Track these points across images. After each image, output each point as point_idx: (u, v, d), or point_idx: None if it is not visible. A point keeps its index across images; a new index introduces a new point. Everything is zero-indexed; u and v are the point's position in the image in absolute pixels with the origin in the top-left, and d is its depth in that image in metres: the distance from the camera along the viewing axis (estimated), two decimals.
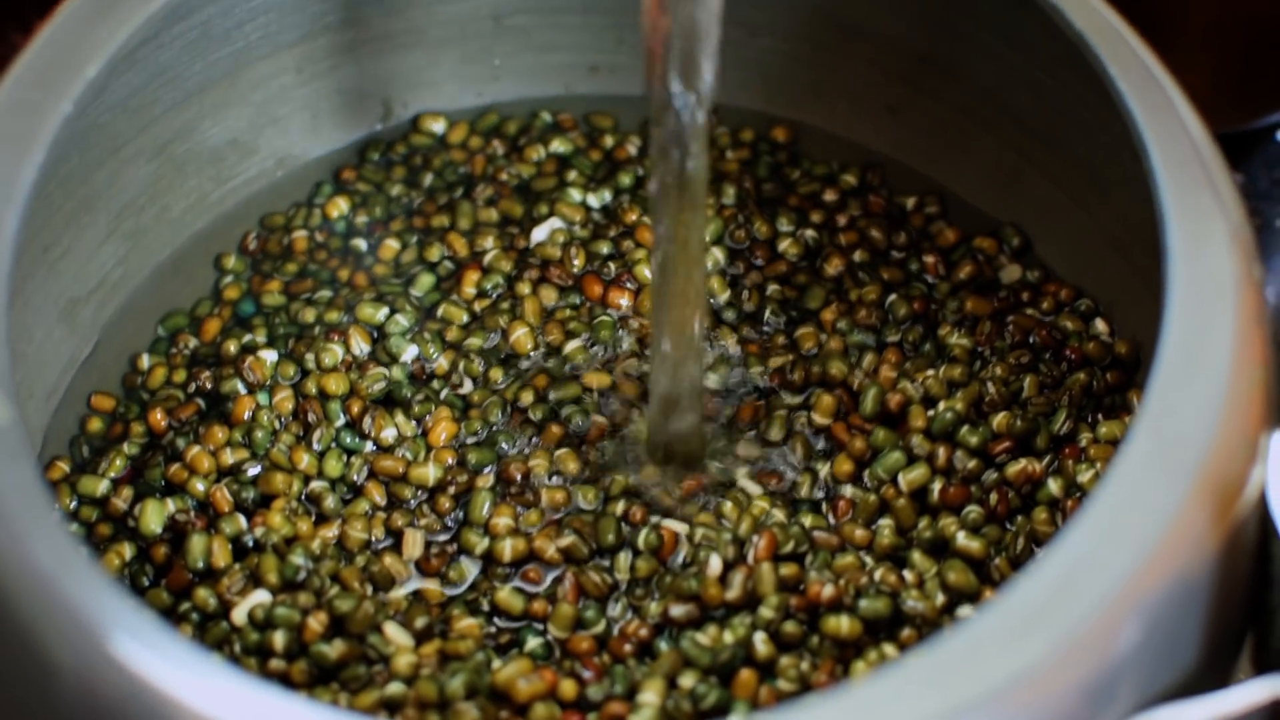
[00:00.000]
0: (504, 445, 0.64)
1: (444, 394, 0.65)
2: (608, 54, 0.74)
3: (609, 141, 0.73)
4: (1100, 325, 0.66)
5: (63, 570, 0.47)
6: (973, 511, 0.61)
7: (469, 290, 0.68)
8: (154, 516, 0.61)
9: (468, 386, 0.65)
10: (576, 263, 0.68)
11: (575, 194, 0.70)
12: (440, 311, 0.67)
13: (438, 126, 0.72)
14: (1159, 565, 0.48)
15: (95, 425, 0.64)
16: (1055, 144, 0.67)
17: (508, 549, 0.60)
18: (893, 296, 0.67)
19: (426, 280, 0.68)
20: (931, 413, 0.63)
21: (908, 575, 0.59)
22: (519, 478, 0.63)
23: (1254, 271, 0.54)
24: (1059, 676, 0.47)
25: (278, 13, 0.68)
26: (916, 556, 0.60)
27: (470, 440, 0.64)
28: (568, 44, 0.73)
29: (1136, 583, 0.48)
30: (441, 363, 0.66)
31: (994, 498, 0.61)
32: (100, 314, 0.66)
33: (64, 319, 0.64)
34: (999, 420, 0.63)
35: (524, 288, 0.68)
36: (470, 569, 0.61)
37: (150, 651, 0.47)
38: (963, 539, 0.60)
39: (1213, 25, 0.72)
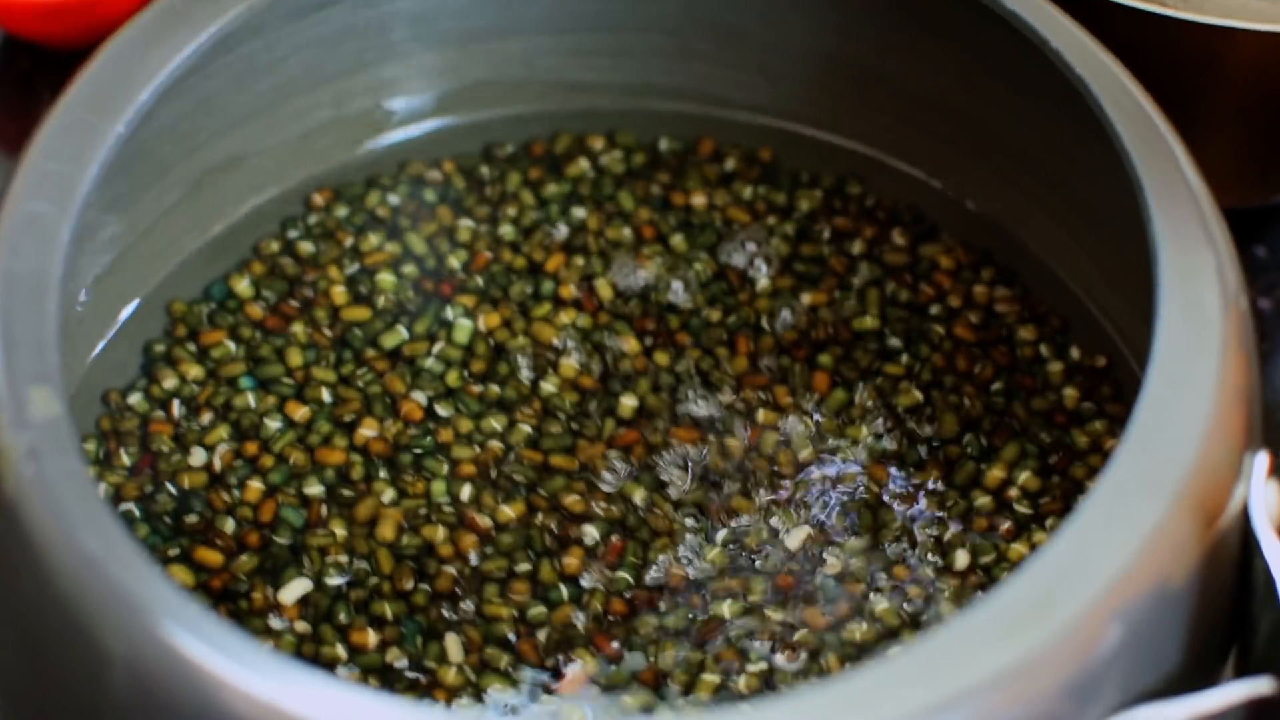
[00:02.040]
0: None
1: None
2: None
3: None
4: (1075, 353, 0.70)
5: (114, 560, 0.50)
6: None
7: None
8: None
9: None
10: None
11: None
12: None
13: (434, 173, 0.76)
14: (1142, 572, 0.51)
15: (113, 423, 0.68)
16: (1060, 187, 0.70)
17: None
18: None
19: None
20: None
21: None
22: None
23: (1241, 301, 0.57)
24: (1043, 675, 0.49)
25: (320, 48, 0.71)
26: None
27: None
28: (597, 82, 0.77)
29: (1120, 588, 0.50)
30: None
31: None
32: (140, 324, 0.70)
33: (100, 326, 0.68)
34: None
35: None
36: None
37: (202, 640, 0.49)
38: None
39: (1239, 103, 0.74)
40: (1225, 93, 0.74)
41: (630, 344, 0.70)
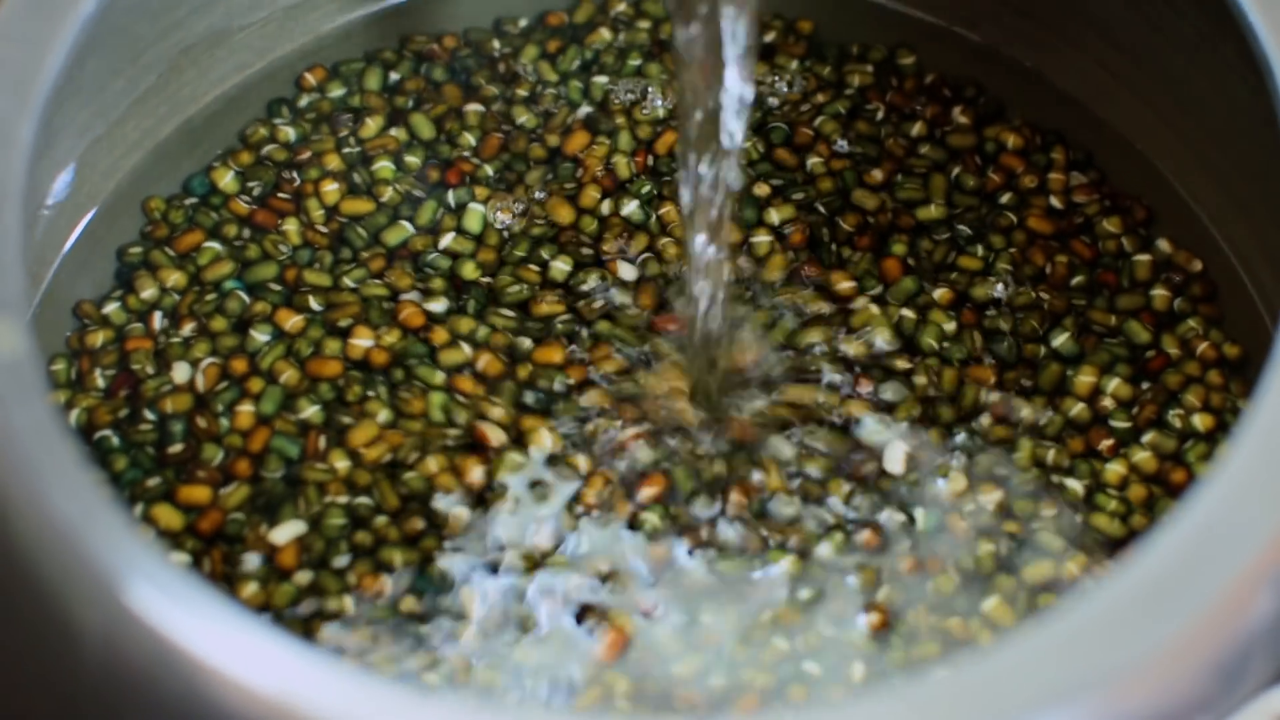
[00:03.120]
0: None
1: None
2: None
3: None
4: (1165, 246, 0.62)
5: (85, 522, 0.43)
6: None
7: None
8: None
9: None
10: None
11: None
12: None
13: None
14: None
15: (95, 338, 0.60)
16: (1149, 62, 0.62)
17: None
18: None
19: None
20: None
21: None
22: None
23: None
24: (1189, 652, 0.43)
25: None
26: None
27: None
28: None
29: (1273, 551, 0.43)
30: None
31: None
32: (110, 224, 0.62)
33: (66, 226, 0.61)
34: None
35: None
36: None
37: (181, 610, 0.43)
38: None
39: None
40: None
41: (671, 212, 0.62)
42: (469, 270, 0.61)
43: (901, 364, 0.59)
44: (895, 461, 0.57)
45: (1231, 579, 0.43)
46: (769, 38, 0.67)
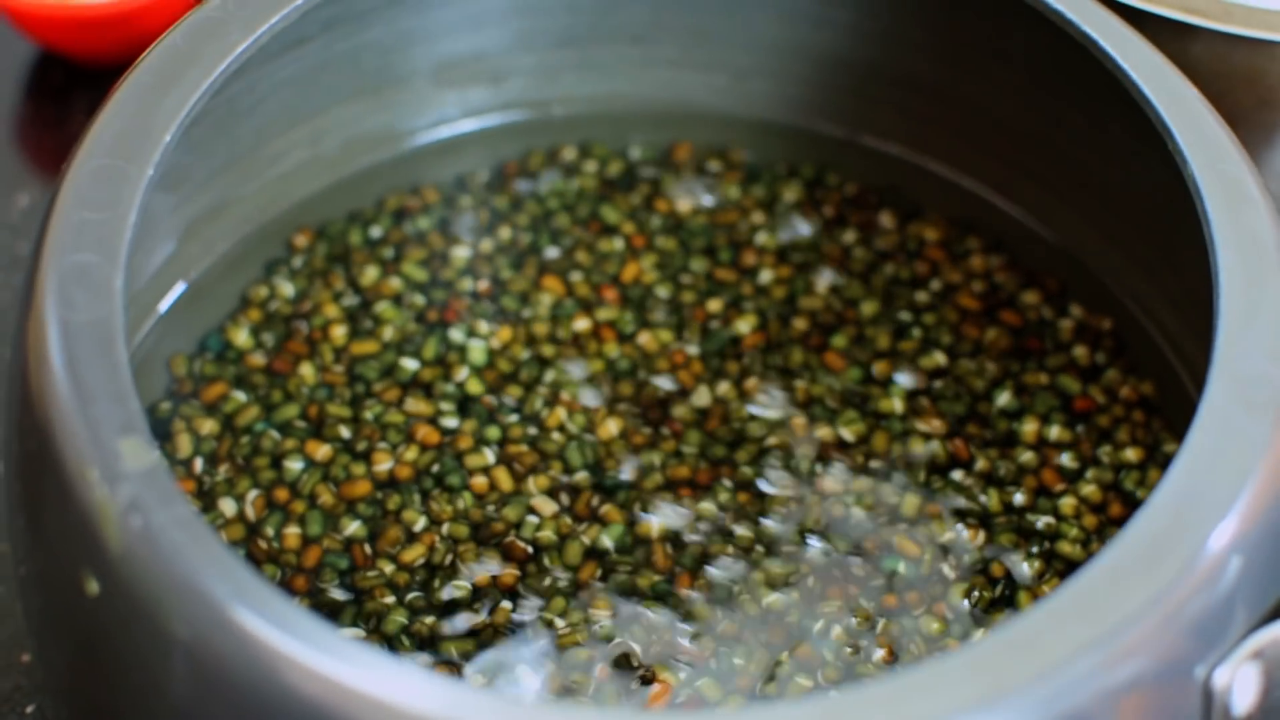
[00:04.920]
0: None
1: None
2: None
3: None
4: (1078, 311, 0.71)
5: (243, 603, 0.48)
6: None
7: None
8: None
9: None
10: None
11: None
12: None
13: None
14: (1259, 497, 0.51)
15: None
16: (1048, 151, 0.71)
17: None
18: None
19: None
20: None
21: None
22: None
23: None
24: (1182, 610, 0.49)
25: (295, 86, 0.70)
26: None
27: None
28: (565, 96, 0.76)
29: (1241, 516, 0.51)
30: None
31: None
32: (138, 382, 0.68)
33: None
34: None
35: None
36: None
37: (273, 624, 0.48)
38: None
39: None
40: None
41: (651, 341, 0.70)
42: (474, 387, 0.68)
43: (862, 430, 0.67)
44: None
45: (1206, 547, 0.50)
46: (710, 167, 0.75)
